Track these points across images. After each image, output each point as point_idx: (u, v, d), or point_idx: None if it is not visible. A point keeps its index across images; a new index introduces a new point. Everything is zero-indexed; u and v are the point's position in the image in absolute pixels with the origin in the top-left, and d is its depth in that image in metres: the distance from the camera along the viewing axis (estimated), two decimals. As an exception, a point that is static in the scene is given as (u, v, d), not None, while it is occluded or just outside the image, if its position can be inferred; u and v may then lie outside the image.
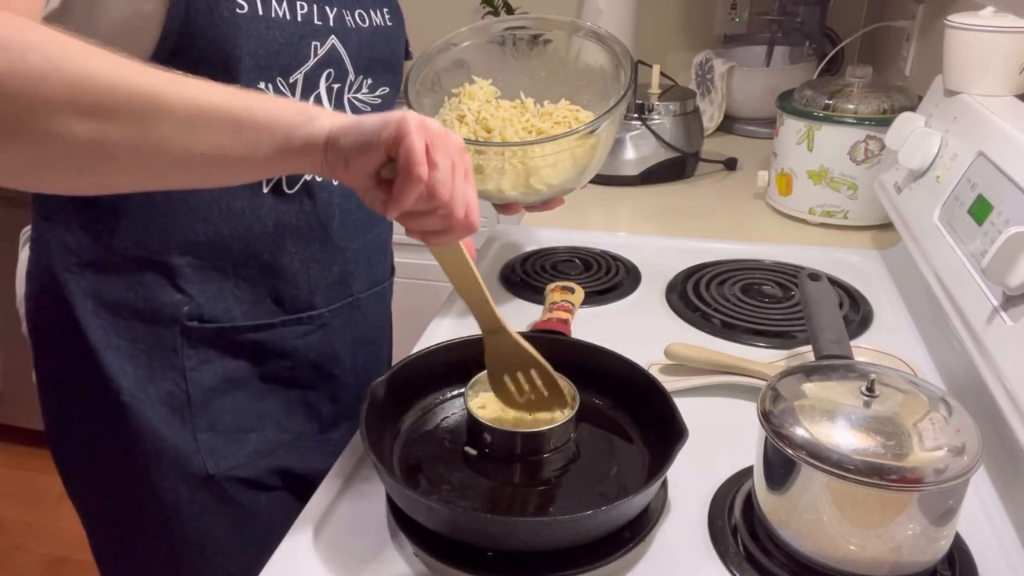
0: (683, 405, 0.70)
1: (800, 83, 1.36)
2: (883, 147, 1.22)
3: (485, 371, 0.76)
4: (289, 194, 0.79)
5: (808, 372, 0.66)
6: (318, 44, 0.76)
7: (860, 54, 1.96)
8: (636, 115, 1.48)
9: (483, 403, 0.75)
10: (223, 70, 0.69)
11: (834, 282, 1.05)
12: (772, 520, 0.63)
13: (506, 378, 0.74)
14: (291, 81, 0.75)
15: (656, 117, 1.48)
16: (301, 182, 0.80)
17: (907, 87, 1.34)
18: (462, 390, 0.77)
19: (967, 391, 0.81)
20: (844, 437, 0.58)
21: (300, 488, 0.84)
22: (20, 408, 2.23)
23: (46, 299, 0.78)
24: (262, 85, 0.73)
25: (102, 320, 0.77)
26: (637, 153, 1.49)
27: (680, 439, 0.66)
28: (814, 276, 0.84)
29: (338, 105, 0.80)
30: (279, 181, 0.79)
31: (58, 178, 0.57)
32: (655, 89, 1.51)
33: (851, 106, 1.24)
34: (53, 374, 0.82)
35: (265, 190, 0.78)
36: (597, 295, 1.05)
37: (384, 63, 0.85)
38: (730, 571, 0.63)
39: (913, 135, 1.04)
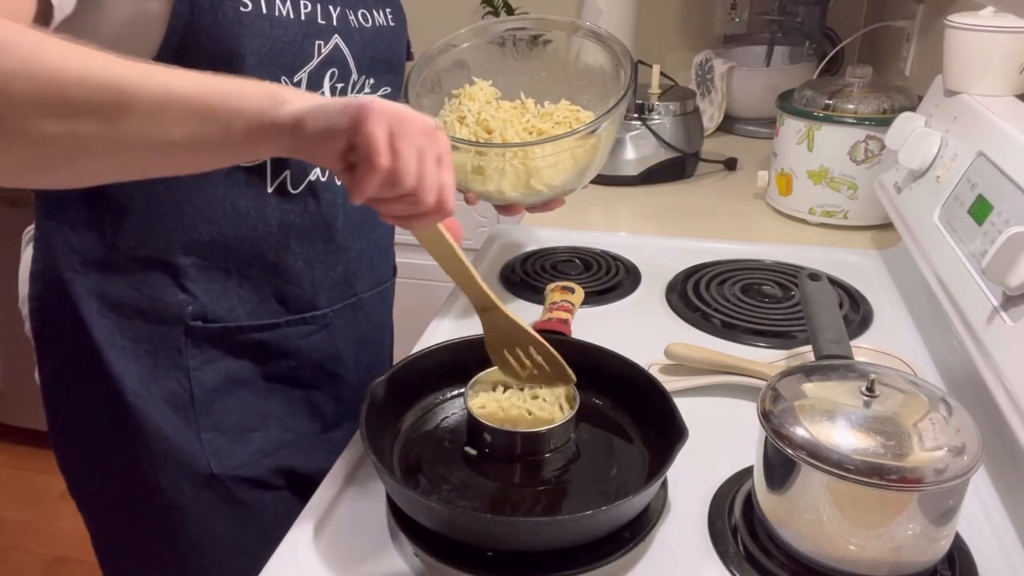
0: (683, 405, 0.70)
1: (800, 83, 1.36)
2: (883, 147, 1.22)
3: (485, 371, 0.76)
4: (293, 194, 0.79)
5: (808, 372, 0.66)
6: (322, 43, 0.76)
7: (860, 54, 1.95)
8: (636, 115, 1.48)
9: (483, 403, 0.75)
10: (227, 68, 0.69)
11: (834, 282, 1.05)
12: (772, 520, 0.63)
13: (507, 354, 0.74)
14: (295, 80, 0.75)
15: (656, 117, 1.48)
16: (306, 182, 0.80)
17: (907, 87, 1.34)
18: (462, 390, 0.77)
19: (967, 391, 0.81)
20: (844, 437, 0.58)
21: (303, 487, 0.83)
22: (20, 408, 2.23)
23: (50, 299, 0.79)
24: None
25: (106, 320, 0.77)
26: (637, 153, 1.49)
27: (680, 439, 0.66)
28: (814, 276, 0.84)
29: None
30: (283, 181, 0.79)
31: (35, 173, 0.57)
32: (655, 89, 1.51)
33: (851, 106, 1.24)
34: (57, 374, 0.82)
35: (269, 190, 0.78)
36: (597, 295, 1.06)
37: (386, 63, 0.85)
38: (730, 571, 0.63)
39: (913, 135, 1.04)
